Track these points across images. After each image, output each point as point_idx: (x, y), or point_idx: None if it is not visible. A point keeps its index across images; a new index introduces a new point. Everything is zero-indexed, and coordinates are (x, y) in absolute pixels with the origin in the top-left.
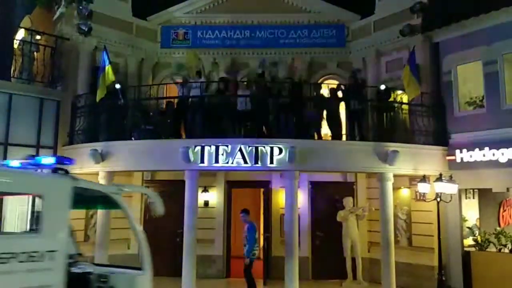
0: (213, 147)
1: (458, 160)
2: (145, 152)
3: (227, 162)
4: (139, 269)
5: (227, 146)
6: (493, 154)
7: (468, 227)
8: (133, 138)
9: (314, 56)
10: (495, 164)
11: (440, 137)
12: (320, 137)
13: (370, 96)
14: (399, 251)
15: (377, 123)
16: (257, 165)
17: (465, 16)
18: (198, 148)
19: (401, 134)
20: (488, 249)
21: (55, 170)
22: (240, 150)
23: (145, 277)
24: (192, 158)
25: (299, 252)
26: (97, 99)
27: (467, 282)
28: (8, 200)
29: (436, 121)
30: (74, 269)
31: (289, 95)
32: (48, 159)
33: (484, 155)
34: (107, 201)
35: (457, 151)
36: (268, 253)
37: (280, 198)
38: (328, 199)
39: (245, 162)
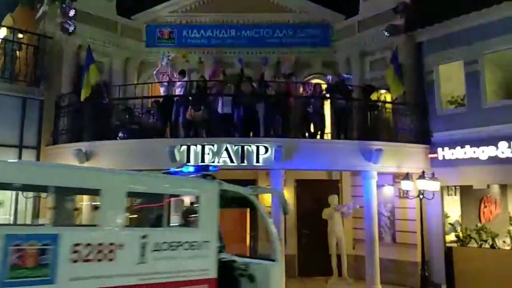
0: (199, 147)
1: (440, 158)
2: (130, 152)
3: (213, 161)
4: (273, 260)
5: (213, 145)
6: (474, 152)
7: (450, 223)
8: (118, 138)
9: (299, 55)
10: (476, 161)
11: (422, 135)
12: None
13: (354, 95)
14: (383, 247)
15: (361, 122)
16: (243, 164)
17: (447, 16)
18: (184, 147)
19: (385, 132)
20: (469, 245)
21: (204, 176)
22: (226, 149)
23: (278, 267)
24: (178, 158)
25: (286, 250)
26: (82, 99)
27: (450, 277)
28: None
29: (418, 120)
30: (221, 258)
31: (276, 94)
32: (190, 168)
33: (465, 153)
34: (243, 202)
35: (439, 149)
36: (255, 251)
37: (266, 196)
38: (314, 197)
39: (231, 161)
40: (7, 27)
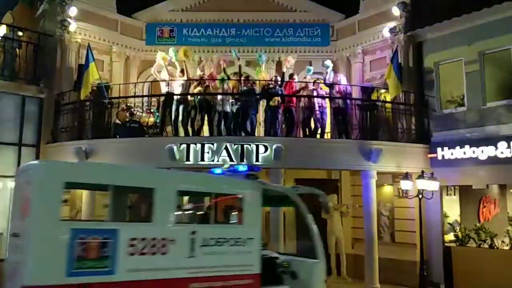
0: (199, 145)
1: (440, 158)
2: (130, 150)
3: (213, 160)
4: (314, 258)
5: (212, 144)
6: (473, 152)
7: (449, 223)
8: (118, 136)
9: (299, 54)
10: (475, 161)
11: (422, 135)
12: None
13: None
14: (382, 247)
15: (361, 121)
16: (242, 163)
17: (447, 16)
18: (184, 146)
19: (384, 132)
20: (468, 245)
21: (248, 176)
22: (226, 148)
23: (320, 265)
24: (177, 156)
25: (285, 250)
26: (82, 97)
27: (448, 277)
28: None
29: (418, 120)
30: (264, 254)
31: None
32: (242, 167)
33: (464, 153)
34: (285, 200)
35: (439, 149)
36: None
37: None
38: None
39: (231, 160)
40: (7, 25)
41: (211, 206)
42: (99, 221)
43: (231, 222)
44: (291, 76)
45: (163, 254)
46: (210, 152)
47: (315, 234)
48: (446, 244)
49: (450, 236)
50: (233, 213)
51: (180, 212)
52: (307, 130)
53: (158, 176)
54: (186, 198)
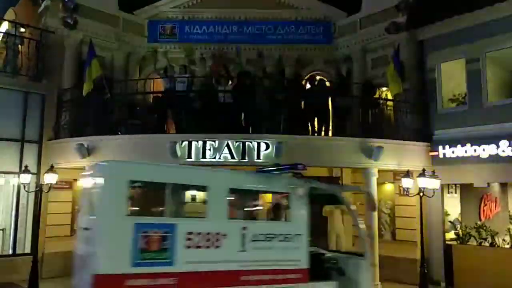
0: (200, 142)
1: (441, 156)
2: (132, 147)
3: (214, 157)
4: (361, 255)
5: (214, 141)
6: (475, 150)
7: (450, 221)
8: (119, 133)
9: (301, 52)
10: (476, 160)
11: (423, 133)
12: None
13: (356, 93)
14: (383, 244)
15: (363, 119)
16: (244, 160)
17: (449, 14)
18: (185, 143)
19: (386, 130)
20: (469, 243)
21: (294, 174)
22: (227, 145)
23: (367, 262)
24: (179, 153)
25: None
26: (84, 93)
27: (449, 275)
28: None
29: (419, 118)
30: (311, 250)
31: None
32: (286, 166)
33: (466, 151)
34: (331, 198)
35: (440, 147)
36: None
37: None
38: None
39: (232, 157)
40: (10, 21)
41: (260, 203)
42: (160, 216)
43: (279, 219)
44: (297, 75)
45: (216, 248)
46: (211, 149)
47: (362, 232)
48: (447, 242)
49: (451, 234)
50: (281, 210)
51: (232, 209)
52: (310, 127)
53: (211, 175)
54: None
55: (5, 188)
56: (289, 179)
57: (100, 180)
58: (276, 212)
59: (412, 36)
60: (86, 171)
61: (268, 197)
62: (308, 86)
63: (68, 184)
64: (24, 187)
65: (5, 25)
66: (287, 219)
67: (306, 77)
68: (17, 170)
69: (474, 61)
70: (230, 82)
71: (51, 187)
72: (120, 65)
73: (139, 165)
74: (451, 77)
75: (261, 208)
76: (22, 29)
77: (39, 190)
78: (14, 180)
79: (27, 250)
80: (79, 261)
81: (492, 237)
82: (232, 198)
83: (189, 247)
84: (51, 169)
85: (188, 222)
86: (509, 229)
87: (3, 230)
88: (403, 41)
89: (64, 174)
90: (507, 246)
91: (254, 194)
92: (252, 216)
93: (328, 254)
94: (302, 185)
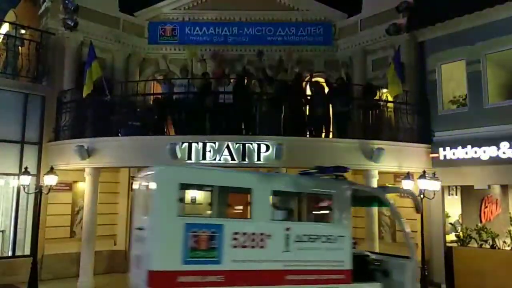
0: (200, 144)
1: (442, 158)
2: (132, 149)
3: (215, 159)
4: (407, 257)
5: (214, 143)
6: (475, 152)
7: (451, 223)
8: (119, 135)
9: (301, 53)
10: (477, 161)
11: (424, 135)
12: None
13: (356, 95)
14: (383, 246)
15: (363, 121)
16: (244, 161)
17: (449, 16)
18: (185, 144)
19: (386, 132)
20: (469, 245)
21: (337, 177)
22: (228, 147)
23: (413, 264)
24: (179, 155)
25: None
26: (84, 95)
27: (449, 277)
28: None
29: (420, 119)
30: (355, 252)
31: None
32: (329, 168)
33: (466, 153)
34: (375, 200)
35: (441, 148)
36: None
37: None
38: None
39: (232, 159)
40: (10, 23)
41: (303, 205)
42: (208, 217)
43: (322, 220)
44: (298, 75)
45: (261, 248)
46: (211, 151)
47: (407, 234)
48: (447, 244)
49: (451, 236)
50: (324, 212)
51: (275, 210)
52: (312, 129)
53: (255, 178)
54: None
55: (5, 189)
56: (331, 181)
57: (154, 183)
58: (319, 214)
59: (413, 38)
60: (139, 175)
61: (311, 199)
62: (308, 87)
63: (68, 186)
64: (24, 188)
65: (6, 27)
66: (330, 221)
67: (306, 79)
68: (17, 171)
69: (474, 63)
70: (230, 82)
71: (51, 188)
72: (120, 66)
73: (189, 169)
74: (452, 79)
75: (304, 210)
76: (23, 31)
77: (39, 191)
78: (14, 182)
79: (27, 251)
80: (134, 258)
81: (493, 239)
82: (276, 200)
83: (235, 246)
84: (51, 170)
85: (234, 223)
86: (509, 231)
87: (2, 231)
88: (403, 42)
89: (64, 176)
90: (508, 248)
91: (297, 196)
92: (295, 218)
93: (372, 256)
94: (345, 187)
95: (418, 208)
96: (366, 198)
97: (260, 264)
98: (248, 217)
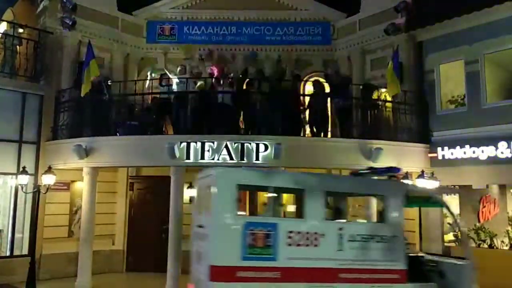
0: (199, 143)
1: (440, 157)
2: (130, 148)
3: (213, 159)
4: (463, 258)
5: (213, 142)
6: (474, 152)
7: (449, 223)
8: (118, 134)
9: (300, 53)
10: (475, 161)
11: (422, 134)
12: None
13: (354, 94)
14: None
15: (361, 120)
16: (243, 161)
17: (448, 16)
18: (184, 144)
19: (385, 131)
20: None
21: (390, 177)
22: (226, 146)
23: (471, 266)
24: (178, 154)
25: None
26: (82, 94)
27: None
28: None
29: (418, 119)
30: (409, 252)
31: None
32: (381, 169)
33: (465, 153)
34: (428, 201)
35: (439, 148)
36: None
37: (266, 194)
38: None
39: (231, 158)
40: (8, 22)
41: (356, 206)
42: (264, 216)
43: (375, 220)
44: (297, 76)
45: (315, 246)
46: (210, 150)
47: (464, 235)
48: (445, 244)
49: (449, 236)
50: (377, 213)
51: (328, 210)
52: (309, 128)
53: (308, 179)
54: (334, 197)
55: (3, 189)
56: (385, 182)
57: (214, 185)
58: (372, 214)
59: (411, 38)
60: (200, 176)
61: (364, 199)
62: (307, 87)
63: (66, 185)
64: (22, 188)
65: (3, 26)
66: (383, 221)
67: (304, 79)
68: (15, 171)
69: (473, 63)
70: (230, 80)
71: (49, 188)
72: (119, 65)
73: (246, 171)
74: (450, 79)
75: (357, 210)
76: (20, 30)
77: (36, 191)
78: (11, 181)
79: (25, 251)
80: (195, 254)
81: (491, 239)
82: (329, 201)
83: (290, 244)
84: (49, 170)
85: (288, 222)
86: (508, 231)
87: (0, 231)
88: (402, 42)
89: (62, 175)
90: (506, 248)
91: (350, 197)
92: (348, 218)
93: (428, 257)
94: (398, 188)
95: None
96: (419, 199)
97: (314, 262)
98: (302, 217)
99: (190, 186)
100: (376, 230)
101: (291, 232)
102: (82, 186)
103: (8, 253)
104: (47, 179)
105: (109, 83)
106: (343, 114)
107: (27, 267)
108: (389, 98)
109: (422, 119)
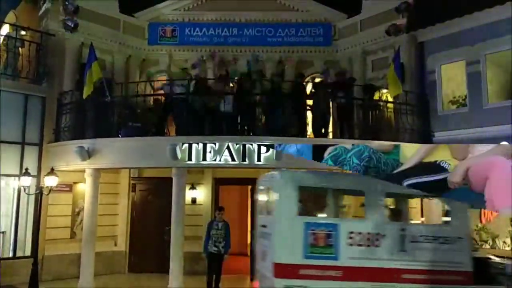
0: (201, 145)
1: None
2: (132, 149)
3: (215, 160)
4: None
5: (214, 143)
6: None
7: None
8: (120, 135)
9: (301, 54)
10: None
11: (424, 135)
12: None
13: (356, 95)
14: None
15: (363, 121)
16: (244, 162)
17: (449, 16)
18: (186, 145)
19: (386, 132)
20: None
21: None
22: (228, 147)
23: None
24: (179, 156)
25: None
26: (84, 96)
27: None
28: None
29: (420, 120)
30: (476, 254)
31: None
32: None
33: None
34: None
35: None
36: (254, 249)
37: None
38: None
39: (233, 159)
40: (10, 24)
41: (418, 207)
42: (325, 217)
43: (439, 222)
44: (301, 76)
45: (376, 247)
46: (212, 151)
47: None
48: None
49: None
50: (441, 214)
51: (389, 211)
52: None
53: (368, 181)
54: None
55: (6, 190)
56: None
57: (276, 187)
58: (436, 215)
59: (412, 38)
60: (262, 178)
61: (428, 201)
62: (309, 88)
63: (68, 187)
64: (25, 189)
65: (6, 28)
66: (447, 222)
67: (306, 79)
68: (18, 172)
69: (474, 63)
70: (232, 87)
71: (51, 189)
72: (121, 67)
73: (306, 173)
74: (451, 79)
75: (419, 211)
76: (23, 32)
77: (39, 192)
78: (14, 183)
79: (27, 252)
80: (260, 252)
81: (493, 240)
82: (389, 202)
83: (351, 244)
84: (51, 171)
85: (349, 223)
86: (509, 231)
87: (3, 232)
88: (403, 43)
89: (64, 177)
90: (508, 249)
91: (412, 198)
92: (410, 219)
93: (496, 259)
94: None
95: None
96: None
97: (376, 261)
98: (363, 217)
99: (192, 187)
100: (440, 231)
101: (352, 232)
102: (84, 188)
103: (11, 255)
104: (50, 181)
105: (111, 85)
106: (344, 114)
107: (30, 269)
108: (390, 99)
109: (424, 120)
